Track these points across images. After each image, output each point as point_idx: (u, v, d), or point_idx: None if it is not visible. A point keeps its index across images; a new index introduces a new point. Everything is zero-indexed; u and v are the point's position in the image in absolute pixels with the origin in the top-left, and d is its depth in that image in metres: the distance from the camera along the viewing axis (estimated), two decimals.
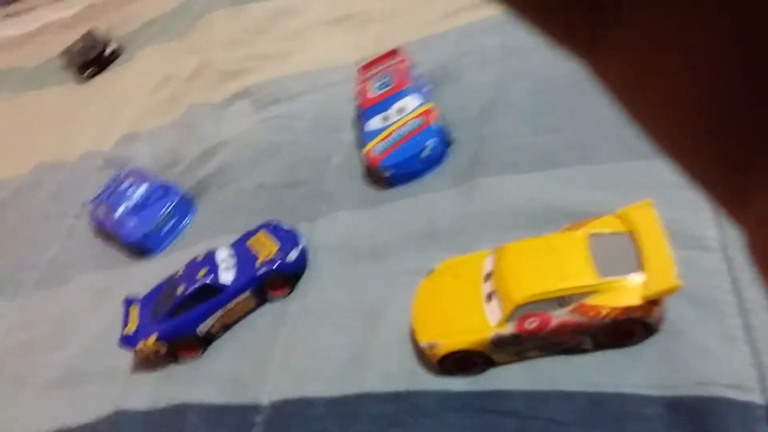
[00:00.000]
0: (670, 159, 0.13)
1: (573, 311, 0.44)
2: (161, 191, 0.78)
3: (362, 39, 0.84)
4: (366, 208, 0.64)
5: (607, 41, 0.12)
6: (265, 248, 0.60)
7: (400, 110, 0.65)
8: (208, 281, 0.58)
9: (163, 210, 0.75)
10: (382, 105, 0.66)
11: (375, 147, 0.64)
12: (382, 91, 0.67)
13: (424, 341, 0.48)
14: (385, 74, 0.70)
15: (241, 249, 0.62)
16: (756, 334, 0.41)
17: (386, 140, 0.63)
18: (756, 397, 0.39)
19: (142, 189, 0.79)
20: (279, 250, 0.59)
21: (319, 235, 0.64)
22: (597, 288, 0.43)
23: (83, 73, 1.25)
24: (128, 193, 0.80)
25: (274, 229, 0.63)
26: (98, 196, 0.83)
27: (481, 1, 0.78)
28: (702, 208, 0.48)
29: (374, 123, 0.66)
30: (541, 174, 0.57)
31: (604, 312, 0.43)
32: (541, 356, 0.46)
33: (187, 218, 0.76)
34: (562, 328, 0.44)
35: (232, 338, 0.60)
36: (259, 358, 0.56)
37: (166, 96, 1.00)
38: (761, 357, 0.40)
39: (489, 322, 0.46)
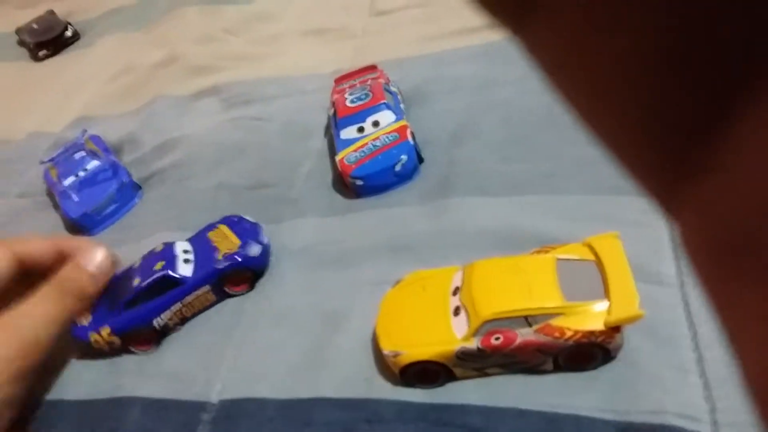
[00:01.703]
0: (602, 146, 0.13)
1: (538, 331, 0.44)
2: (110, 171, 0.75)
3: (340, 52, 0.84)
4: (333, 216, 0.63)
5: (538, 19, 0.11)
6: (226, 242, 0.59)
7: (376, 123, 0.66)
8: (167, 273, 0.56)
9: (107, 192, 0.73)
10: (358, 116, 0.67)
11: (348, 156, 0.64)
12: (359, 102, 0.68)
13: (387, 349, 0.47)
14: (363, 87, 0.70)
15: (201, 242, 0.60)
16: (708, 367, 0.43)
17: (360, 150, 0.64)
18: (706, 429, 0.41)
19: (94, 163, 0.77)
20: (241, 244, 0.58)
21: (283, 238, 0.63)
22: (563, 310, 0.44)
23: (38, 53, 1.20)
24: (80, 164, 0.77)
25: (237, 223, 0.62)
26: (55, 156, 0.80)
27: (458, 31, 0.81)
28: (662, 246, 0.50)
29: (349, 132, 0.66)
30: (510, 199, 0.58)
31: (568, 334, 0.44)
32: (502, 374, 0.47)
33: (128, 205, 0.74)
34: (526, 347, 0.45)
35: (184, 333, 0.57)
36: (210, 355, 0.54)
37: (127, 84, 0.98)
38: (712, 390, 0.42)
39: (455, 335, 0.46)
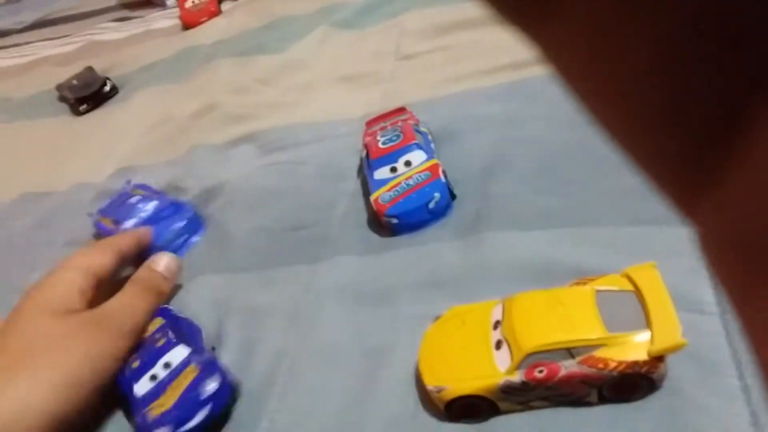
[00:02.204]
0: (622, 151, 0.12)
1: (581, 362, 0.45)
2: (172, 208, 0.77)
3: (369, 96, 0.87)
4: (370, 254, 0.65)
5: (558, 21, 0.11)
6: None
7: (408, 163, 0.68)
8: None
9: (175, 225, 0.74)
10: (390, 157, 0.69)
11: (382, 195, 0.66)
12: (391, 143, 0.70)
13: (431, 385, 0.48)
14: (394, 129, 0.73)
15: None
16: (753, 394, 0.43)
17: (394, 190, 0.65)
18: None
19: (153, 204, 0.78)
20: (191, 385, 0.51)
21: (321, 277, 0.64)
22: (605, 341, 0.45)
23: (79, 107, 1.25)
24: (138, 207, 0.78)
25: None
26: (105, 208, 0.82)
27: (482, 71, 0.83)
28: (700, 275, 0.50)
29: (382, 173, 0.68)
30: (545, 232, 0.59)
31: (612, 365, 0.44)
32: (547, 407, 0.47)
33: (196, 235, 0.76)
34: (570, 379, 0.45)
35: None
36: (254, 398, 0.55)
37: (165, 134, 1.01)
38: (758, 417, 0.42)
39: (498, 368, 0.47)
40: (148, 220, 0.76)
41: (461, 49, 0.89)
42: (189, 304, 0.63)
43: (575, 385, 0.46)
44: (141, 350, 0.53)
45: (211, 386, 0.51)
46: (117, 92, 1.28)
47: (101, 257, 0.59)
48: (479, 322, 0.50)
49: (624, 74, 0.11)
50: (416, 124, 0.74)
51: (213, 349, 0.58)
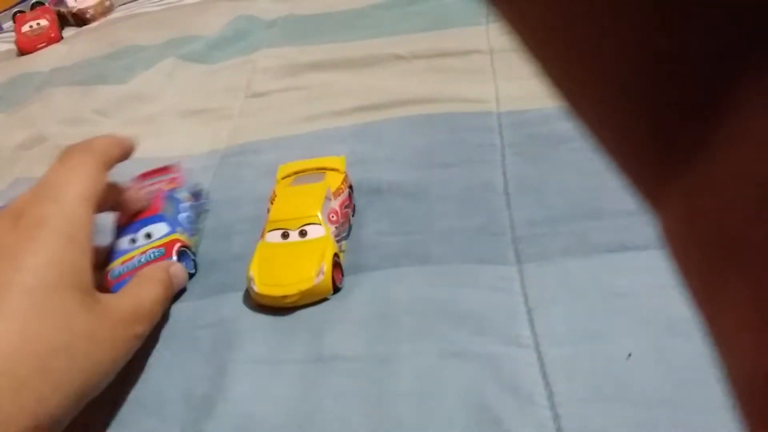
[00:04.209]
0: (588, 136, 0.13)
1: None
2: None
3: (216, 132, 0.87)
4: None
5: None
6: None
7: (148, 235, 0.65)
8: None
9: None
10: (135, 226, 0.66)
11: (113, 269, 0.63)
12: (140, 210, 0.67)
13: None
14: (149, 193, 0.70)
15: None
16: (564, 423, 0.47)
17: (125, 264, 0.63)
18: None
19: None
20: None
21: None
22: None
23: None
24: None
25: None
26: None
27: (333, 113, 0.86)
28: (520, 311, 0.55)
29: (123, 243, 0.65)
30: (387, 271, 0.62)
31: None
32: None
33: None
34: None
35: None
36: None
37: None
38: None
39: None
40: None
41: (312, 89, 0.92)
42: None
43: None
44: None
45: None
46: None
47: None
48: None
49: (591, 61, 0.11)
50: (173, 189, 0.71)
51: None
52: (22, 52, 1.32)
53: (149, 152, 0.87)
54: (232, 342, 0.57)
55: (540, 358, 0.51)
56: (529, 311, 0.54)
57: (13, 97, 1.13)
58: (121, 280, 0.60)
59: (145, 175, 0.74)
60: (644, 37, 0.10)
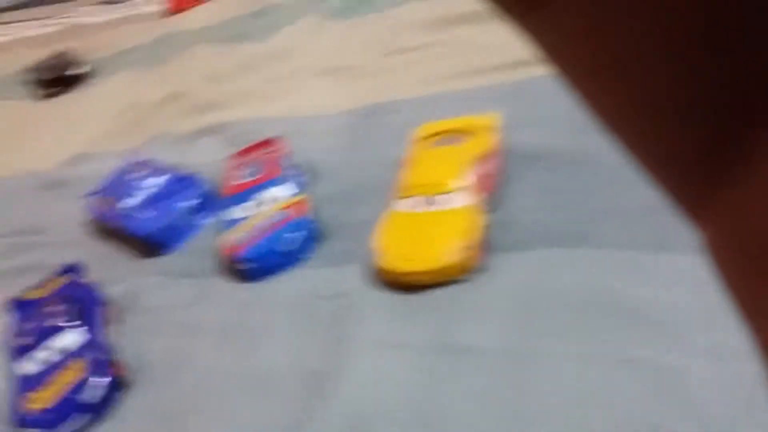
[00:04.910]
0: (626, 151, 0.12)
1: None
2: (182, 183, 0.72)
3: (353, 91, 0.82)
4: None
5: (546, 14, 0.11)
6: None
7: (267, 200, 0.62)
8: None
9: (185, 203, 0.69)
10: (247, 193, 0.64)
11: (232, 238, 0.60)
12: (250, 179, 0.65)
13: None
14: (257, 162, 0.68)
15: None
16: None
17: (246, 231, 0.60)
18: None
19: (162, 179, 0.73)
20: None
21: None
22: None
23: (45, 91, 1.21)
24: (142, 183, 0.73)
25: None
26: (101, 188, 0.76)
27: (475, 71, 0.77)
28: (710, 313, 0.44)
29: (235, 212, 0.63)
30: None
31: None
32: None
33: (209, 216, 0.69)
34: None
35: None
36: None
37: (128, 121, 0.97)
38: None
39: None
40: (155, 198, 0.70)
41: (455, 45, 0.84)
42: None
43: None
44: (35, 321, 0.54)
45: (96, 393, 0.48)
46: (90, 76, 1.24)
47: None
48: None
49: (630, 72, 0.11)
50: (284, 156, 0.69)
51: None
52: (172, 11, 1.35)
53: (283, 111, 0.84)
54: (353, 317, 0.51)
55: (738, 375, 0.40)
56: (726, 315, 0.43)
57: (158, 55, 1.16)
58: (247, 246, 0.58)
59: (245, 152, 0.71)
60: (691, 60, 0.10)
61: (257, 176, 0.64)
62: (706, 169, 0.11)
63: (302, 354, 0.51)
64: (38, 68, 1.26)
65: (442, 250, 0.50)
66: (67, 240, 0.75)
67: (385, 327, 0.51)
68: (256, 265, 0.59)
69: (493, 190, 0.57)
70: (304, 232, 0.59)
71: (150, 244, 0.68)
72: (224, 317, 0.58)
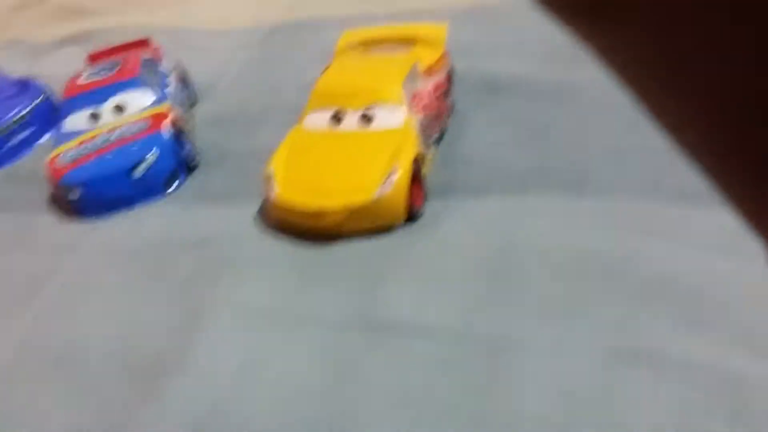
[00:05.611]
0: (697, 165, 0.12)
1: None
2: (16, 88, 0.58)
3: (268, 4, 0.68)
4: None
5: (609, 21, 0.12)
6: None
7: (120, 107, 0.50)
8: None
9: (16, 109, 0.55)
10: (91, 96, 0.51)
11: (63, 154, 0.47)
12: (100, 77, 0.52)
13: None
14: (114, 62, 0.56)
15: None
16: None
17: (84, 145, 0.47)
18: None
19: None
20: None
21: None
22: None
23: None
24: None
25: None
26: None
27: None
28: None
29: (77, 120, 0.50)
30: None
31: None
32: None
33: (48, 133, 0.56)
34: None
35: None
36: None
37: None
38: None
39: None
40: None
41: None
42: None
43: None
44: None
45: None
46: None
47: None
48: None
49: (694, 72, 0.11)
50: (155, 58, 0.57)
51: None
52: None
53: (174, 21, 0.68)
54: (218, 276, 0.37)
55: None
56: None
57: None
58: (78, 166, 0.44)
59: (112, 51, 0.58)
60: (748, 73, 0.11)
61: (106, 75, 0.50)
62: (766, 178, 0.11)
63: (133, 331, 0.37)
64: None
65: (363, 181, 0.36)
66: None
67: (268, 294, 0.38)
68: (86, 194, 0.43)
69: (441, 116, 0.44)
70: (161, 154, 0.44)
71: None
72: (34, 269, 0.42)
